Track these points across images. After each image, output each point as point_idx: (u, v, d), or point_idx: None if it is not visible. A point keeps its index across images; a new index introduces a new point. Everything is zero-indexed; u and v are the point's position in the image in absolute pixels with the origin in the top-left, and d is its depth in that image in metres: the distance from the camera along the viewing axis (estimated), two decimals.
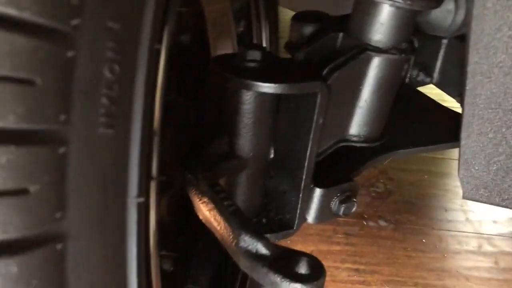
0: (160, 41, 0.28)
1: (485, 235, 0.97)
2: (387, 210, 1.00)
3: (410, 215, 0.99)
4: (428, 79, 0.58)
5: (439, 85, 0.57)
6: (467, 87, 0.40)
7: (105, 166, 0.26)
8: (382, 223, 0.97)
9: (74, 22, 0.23)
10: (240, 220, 0.35)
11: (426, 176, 1.11)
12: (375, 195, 1.04)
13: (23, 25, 0.22)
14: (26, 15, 0.22)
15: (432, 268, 0.88)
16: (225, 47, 0.55)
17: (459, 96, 0.53)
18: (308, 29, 0.46)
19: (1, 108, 0.22)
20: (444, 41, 0.53)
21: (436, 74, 0.55)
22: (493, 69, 0.38)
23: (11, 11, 0.21)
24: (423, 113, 0.59)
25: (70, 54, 0.23)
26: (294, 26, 0.47)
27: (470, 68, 0.38)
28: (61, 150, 0.24)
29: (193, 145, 0.43)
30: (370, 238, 0.93)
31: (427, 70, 0.56)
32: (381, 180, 1.08)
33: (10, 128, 0.22)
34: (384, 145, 0.49)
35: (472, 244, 0.94)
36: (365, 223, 0.96)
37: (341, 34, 0.42)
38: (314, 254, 0.33)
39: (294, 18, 0.48)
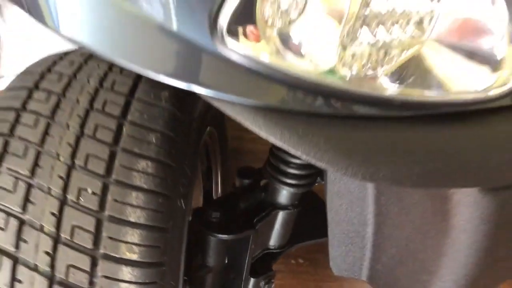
0: None
1: None
2: (304, 250, 1.36)
3: (320, 253, 1.36)
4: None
5: None
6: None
7: None
8: (300, 260, 1.33)
9: None
10: None
11: None
12: None
13: None
14: None
15: None
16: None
17: None
18: (246, 183, 0.79)
19: None
20: None
21: None
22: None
23: None
24: (315, 211, 0.94)
25: None
26: (237, 179, 0.80)
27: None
28: None
29: None
30: (292, 273, 1.29)
31: None
32: None
33: None
34: (289, 242, 0.83)
35: None
36: (289, 261, 1.32)
37: (263, 194, 0.75)
38: None
39: (238, 172, 0.81)
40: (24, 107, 0.51)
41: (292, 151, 0.38)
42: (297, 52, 0.36)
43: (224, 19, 0.34)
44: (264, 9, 0.35)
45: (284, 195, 0.72)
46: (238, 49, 0.35)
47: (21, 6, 0.47)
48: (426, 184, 0.42)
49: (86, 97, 0.49)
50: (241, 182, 0.78)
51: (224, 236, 0.69)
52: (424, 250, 0.58)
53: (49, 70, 0.55)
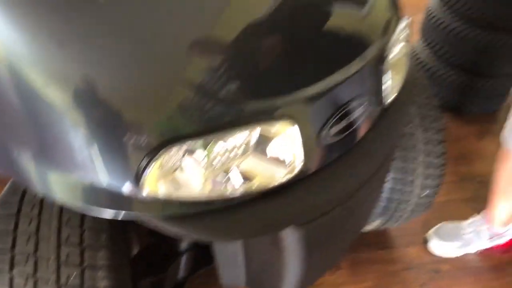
0: None
1: None
2: None
3: None
4: None
5: None
6: None
7: None
8: None
9: None
10: None
11: None
12: None
13: None
14: None
15: None
16: None
17: None
18: None
19: None
20: None
21: None
22: None
23: None
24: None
25: None
26: None
27: None
28: None
29: None
30: None
31: None
32: None
33: None
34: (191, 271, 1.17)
35: None
36: None
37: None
38: None
39: None
40: None
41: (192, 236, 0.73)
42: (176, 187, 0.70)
43: (143, 178, 0.66)
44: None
45: None
46: (149, 192, 0.69)
47: None
48: (257, 235, 0.80)
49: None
50: None
51: None
52: (272, 263, 0.96)
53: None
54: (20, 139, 0.70)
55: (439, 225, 1.59)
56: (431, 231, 1.58)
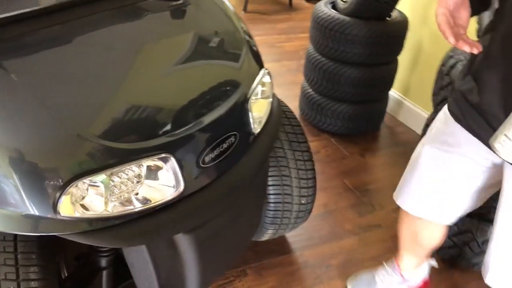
0: None
1: None
2: None
3: None
4: None
5: None
6: None
7: None
8: None
9: None
10: None
11: None
12: None
13: None
14: None
15: None
16: None
17: None
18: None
19: None
20: None
21: None
22: None
23: None
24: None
25: None
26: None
27: None
28: None
29: None
30: None
31: None
32: None
33: None
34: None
35: None
36: None
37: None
38: None
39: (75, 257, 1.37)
40: None
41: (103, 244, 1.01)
42: (85, 210, 0.97)
43: (59, 205, 0.93)
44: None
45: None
46: (64, 215, 0.95)
47: None
48: (153, 240, 1.08)
49: None
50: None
51: None
52: (175, 269, 1.24)
53: None
54: None
55: (354, 274, 1.72)
56: (348, 280, 1.71)
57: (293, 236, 1.93)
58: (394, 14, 2.46)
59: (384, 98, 2.67)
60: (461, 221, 1.64)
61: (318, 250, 1.89)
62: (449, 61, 1.71)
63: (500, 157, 0.96)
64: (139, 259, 1.22)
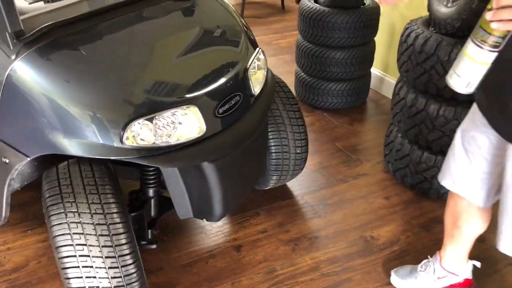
0: None
1: None
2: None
3: None
4: None
5: None
6: None
7: None
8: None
9: None
10: None
11: None
12: None
13: None
14: None
15: None
16: None
17: None
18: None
19: None
20: None
21: None
22: None
23: None
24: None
25: None
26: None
27: None
28: None
29: None
30: None
31: None
32: None
33: None
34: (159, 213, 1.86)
35: None
36: None
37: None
38: None
39: (130, 192, 1.82)
40: None
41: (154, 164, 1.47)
42: (140, 141, 1.43)
43: (124, 137, 1.39)
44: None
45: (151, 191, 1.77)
46: (128, 144, 1.41)
47: None
48: (186, 164, 1.54)
49: None
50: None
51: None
52: (203, 194, 1.68)
53: None
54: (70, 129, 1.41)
55: (399, 267, 1.80)
56: (392, 271, 1.79)
57: (295, 186, 2.37)
58: (367, 1, 2.91)
59: (367, 75, 3.12)
60: (430, 160, 2.07)
61: (316, 194, 2.33)
62: (406, 31, 2.16)
63: (456, 91, 1.05)
64: (176, 186, 1.66)
